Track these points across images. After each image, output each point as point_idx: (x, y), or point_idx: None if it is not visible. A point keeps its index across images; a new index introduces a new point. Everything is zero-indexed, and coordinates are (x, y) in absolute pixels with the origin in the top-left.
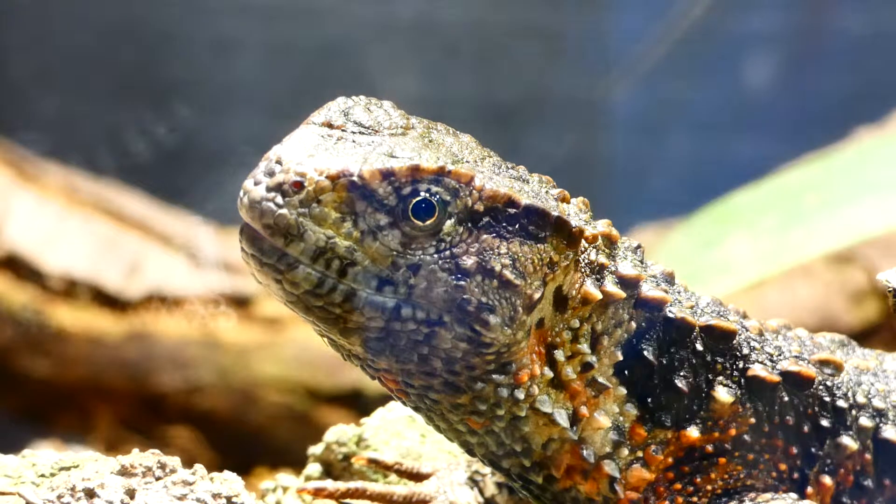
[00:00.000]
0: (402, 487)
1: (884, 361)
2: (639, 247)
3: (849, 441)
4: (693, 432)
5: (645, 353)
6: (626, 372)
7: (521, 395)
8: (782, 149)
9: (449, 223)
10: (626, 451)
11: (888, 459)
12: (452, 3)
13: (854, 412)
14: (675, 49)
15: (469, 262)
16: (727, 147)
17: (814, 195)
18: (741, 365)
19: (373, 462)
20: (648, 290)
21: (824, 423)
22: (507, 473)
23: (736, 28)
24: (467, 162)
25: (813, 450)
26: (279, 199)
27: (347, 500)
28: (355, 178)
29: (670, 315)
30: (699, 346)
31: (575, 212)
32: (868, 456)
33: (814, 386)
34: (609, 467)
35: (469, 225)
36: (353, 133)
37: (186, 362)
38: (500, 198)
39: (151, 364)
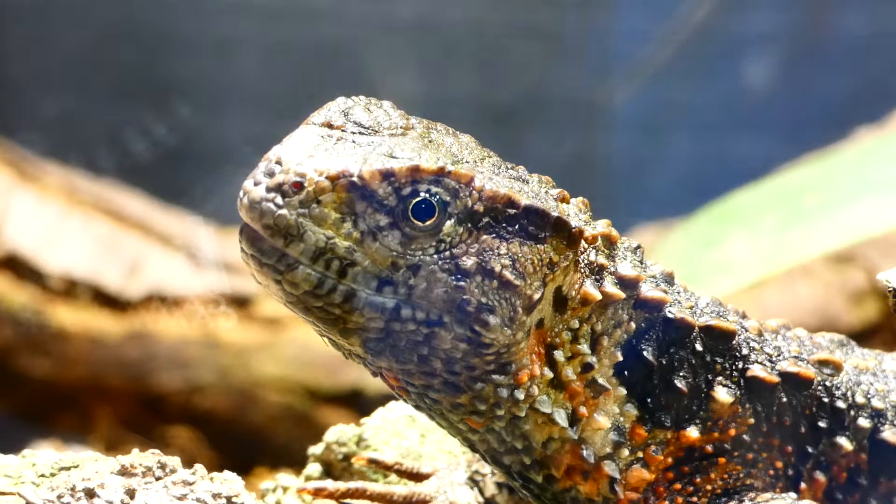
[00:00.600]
0: (402, 487)
1: (883, 361)
2: (638, 247)
3: (845, 441)
4: (693, 432)
5: (645, 353)
6: (625, 372)
7: (520, 395)
8: (782, 149)
9: (449, 224)
10: (626, 452)
11: (885, 460)
12: (452, 3)
13: (853, 412)
14: (676, 50)
15: (469, 262)
16: (727, 147)
17: (814, 195)
18: (741, 365)
19: (373, 462)
20: (648, 290)
21: (822, 423)
22: (508, 471)
23: (736, 28)
24: (467, 162)
25: (809, 449)
26: (279, 200)
27: (347, 500)
28: (355, 179)
29: (670, 315)
30: (699, 347)
31: (575, 212)
32: (864, 455)
33: (813, 386)
34: (609, 468)
35: (469, 225)
36: (353, 133)
37: (186, 362)
38: (499, 198)
39: (151, 364)
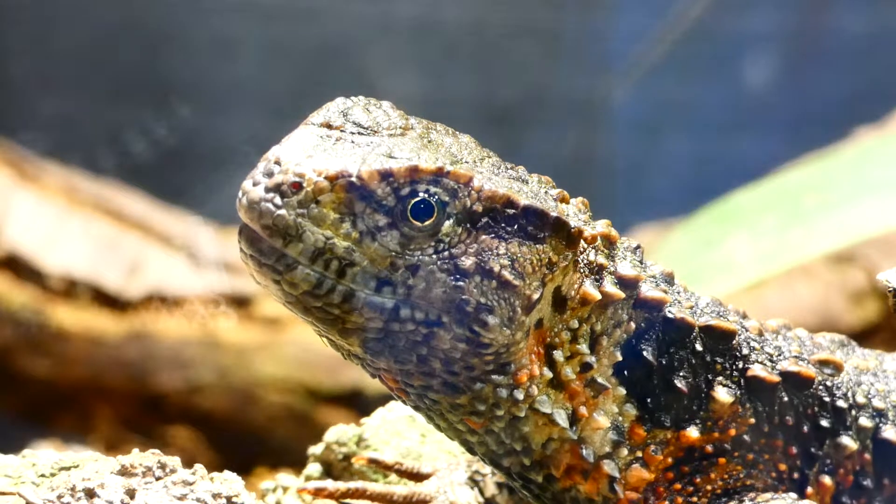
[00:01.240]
0: (402, 487)
1: (883, 361)
2: (638, 247)
3: (848, 441)
4: (692, 432)
5: (644, 353)
6: (625, 372)
7: (520, 395)
8: (782, 149)
9: (447, 224)
10: (625, 451)
11: (887, 459)
12: (452, 3)
13: (854, 412)
14: (675, 49)
15: (468, 262)
16: (727, 147)
17: (814, 195)
18: (741, 365)
19: (373, 462)
20: (648, 290)
21: (824, 423)
22: (508, 472)
23: (736, 28)
24: (466, 162)
25: (812, 450)
26: (278, 200)
27: (347, 500)
28: (354, 179)
29: (670, 315)
30: (699, 347)
31: (574, 212)
32: (867, 456)
33: (813, 386)
34: (608, 467)
35: (468, 225)
36: (352, 133)
37: (186, 362)
38: (498, 198)
39: (151, 364)
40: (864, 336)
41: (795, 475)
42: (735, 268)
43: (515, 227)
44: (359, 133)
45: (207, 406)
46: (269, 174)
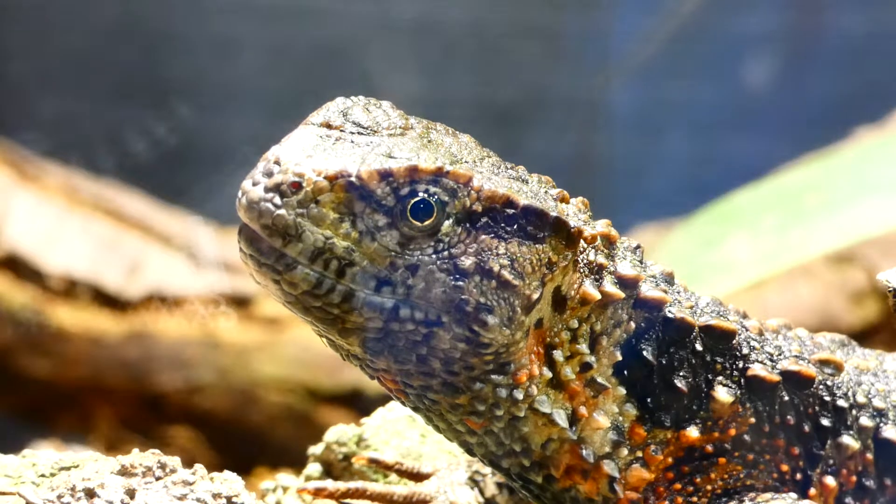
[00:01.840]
0: (402, 487)
1: (884, 361)
2: (638, 247)
3: (850, 441)
4: (693, 432)
5: (644, 353)
6: (625, 372)
7: (519, 395)
8: (782, 149)
9: (447, 224)
10: (625, 451)
11: (889, 459)
12: (452, 3)
13: (854, 412)
14: (674, 49)
15: (467, 262)
16: (727, 147)
17: (814, 195)
18: (741, 365)
19: (373, 462)
20: (647, 290)
21: (825, 422)
22: (507, 473)
23: (735, 28)
24: (466, 162)
25: (814, 450)
26: (277, 200)
27: (347, 500)
28: (353, 179)
29: (669, 315)
30: (699, 346)
31: (574, 212)
32: (869, 456)
33: (814, 385)
34: (608, 467)
35: (467, 225)
36: (352, 133)
37: (186, 362)
38: (498, 198)
39: (151, 364)
40: (865, 336)
41: (798, 476)
42: (735, 268)
43: (515, 226)
44: (358, 133)
45: (207, 406)
46: (269, 174)
